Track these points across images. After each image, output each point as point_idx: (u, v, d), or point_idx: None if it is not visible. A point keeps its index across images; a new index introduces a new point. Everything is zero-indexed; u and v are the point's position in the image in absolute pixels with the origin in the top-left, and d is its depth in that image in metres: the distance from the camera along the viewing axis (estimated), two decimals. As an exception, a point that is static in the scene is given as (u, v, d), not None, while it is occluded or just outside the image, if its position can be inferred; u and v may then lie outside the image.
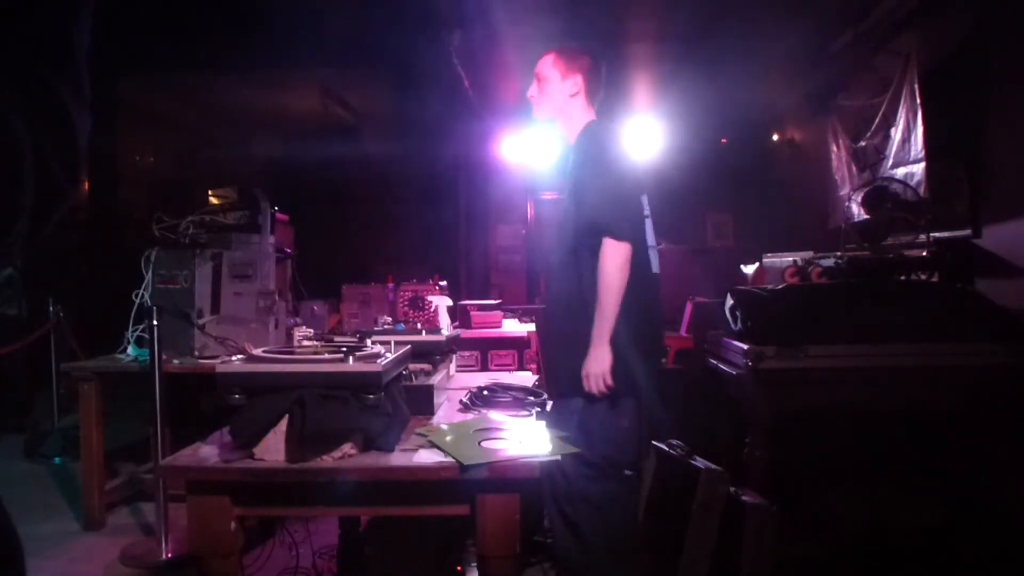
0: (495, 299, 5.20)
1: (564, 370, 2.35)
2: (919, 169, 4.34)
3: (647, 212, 2.45)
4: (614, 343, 2.23)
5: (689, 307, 5.18)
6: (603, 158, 2.35)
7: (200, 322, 3.45)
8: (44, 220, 0.63)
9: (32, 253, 0.66)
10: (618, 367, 2.23)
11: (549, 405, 2.36)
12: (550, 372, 2.49)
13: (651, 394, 2.33)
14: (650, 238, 2.44)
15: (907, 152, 4.50)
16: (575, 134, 2.48)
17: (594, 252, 2.26)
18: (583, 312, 2.29)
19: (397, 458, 1.65)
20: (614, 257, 2.22)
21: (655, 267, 2.45)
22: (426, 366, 2.24)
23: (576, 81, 2.47)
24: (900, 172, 4.49)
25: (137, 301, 3.53)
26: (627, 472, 2.36)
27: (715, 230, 8.76)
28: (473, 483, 1.59)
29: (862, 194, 3.78)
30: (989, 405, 2.76)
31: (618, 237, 2.23)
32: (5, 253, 0.60)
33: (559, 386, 2.39)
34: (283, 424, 1.59)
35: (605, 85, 2.53)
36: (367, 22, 5.15)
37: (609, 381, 2.21)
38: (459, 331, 3.45)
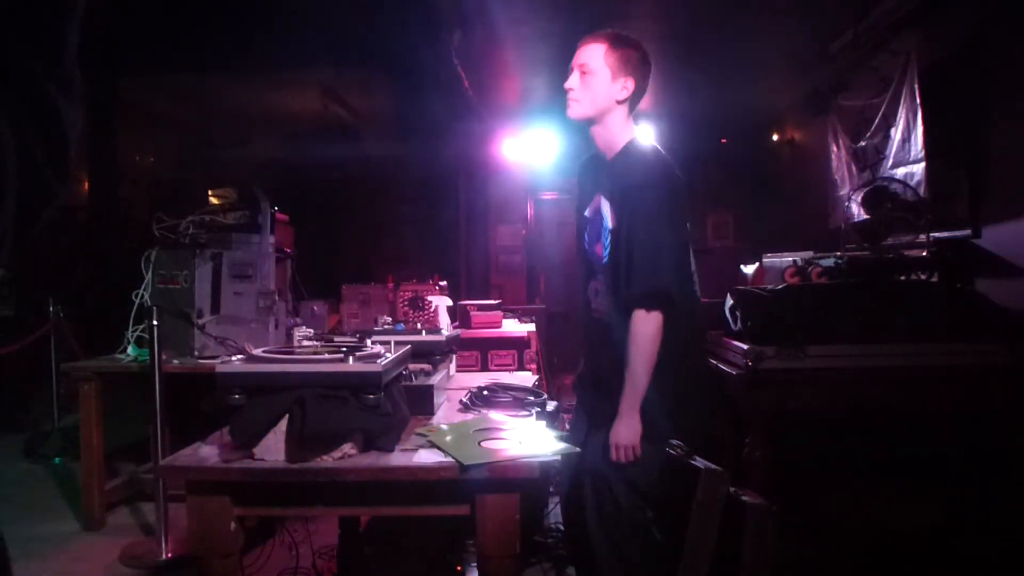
0: (495, 299, 5.20)
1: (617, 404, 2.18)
2: (919, 169, 4.34)
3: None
4: (675, 393, 2.14)
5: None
6: (664, 212, 2.11)
7: (200, 322, 3.45)
8: (33, 220, 0.61)
9: (21, 254, 0.64)
10: (676, 413, 2.14)
11: (551, 405, 2.36)
12: (596, 396, 2.33)
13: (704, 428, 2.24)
14: (692, 262, 2.27)
15: (907, 152, 4.50)
16: (613, 147, 2.22)
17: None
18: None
19: (397, 458, 1.65)
20: (646, 327, 2.08)
21: (698, 290, 2.29)
22: (426, 366, 2.24)
23: (627, 85, 2.16)
24: (900, 172, 4.49)
25: (137, 301, 3.53)
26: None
27: (715, 230, 8.77)
28: (473, 483, 1.59)
29: (862, 194, 3.78)
30: (989, 405, 2.76)
31: (651, 308, 2.07)
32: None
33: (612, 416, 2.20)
34: (283, 424, 1.59)
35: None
36: (367, 22, 5.15)
37: (639, 452, 2.10)
38: (459, 331, 3.45)
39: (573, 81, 2.18)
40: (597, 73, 2.14)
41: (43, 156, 0.61)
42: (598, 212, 2.27)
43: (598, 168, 2.30)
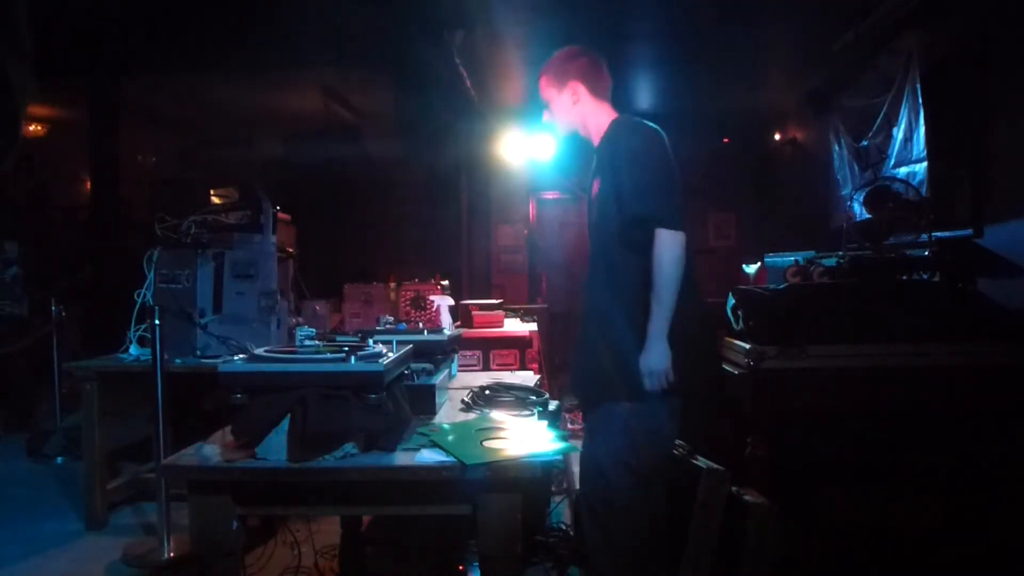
0: (497, 299, 5.20)
1: (603, 374, 2.18)
2: (921, 168, 4.33)
3: None
4: (669, 339, 2.11)
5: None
6: (637, 148, 2.21)
7: (202, 322, 3.45)
8: None
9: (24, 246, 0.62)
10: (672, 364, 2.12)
11: (552, 404, 2.36)
12: (583, 379, 2.28)
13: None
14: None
15: (909, 151, 4.50)
16: (599, 135, 2.37)
17: (634, 249, 2.14)
18: (619, 314, 2.17)
19: (399, 458, 1.65)
20: (672, 247, 2.09)
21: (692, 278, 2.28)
22: (428, 366, 2.24)
23: (575, 88, 2.39)
24: (902, 171, 4.49)
25: (139, 301, 3.54)
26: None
27: (717, 230, 8.77)
28: (475, 483, 1.59)
29: (864, 194, 3.77)
30: (990, 405, 2.76)
31: (672, 226, 2.10)
32: None
33: (598, 392, 2.21)
34: (285, 424, 1.59)
35: (609, 75, 2.42)
36: (369, 22, 5.15)
37: (671, 377, 2.09)
38: (461, 331, 3.45)
39: (546, 115, 2.52)
40: (552, 99, 2.44)
41: None
42: (594, 193, 2.37)
43: (592, 159, 2.45)
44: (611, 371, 2.16)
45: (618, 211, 2.19)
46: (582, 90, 2.38)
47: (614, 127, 2.33)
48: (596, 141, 2.39)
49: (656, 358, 2.08)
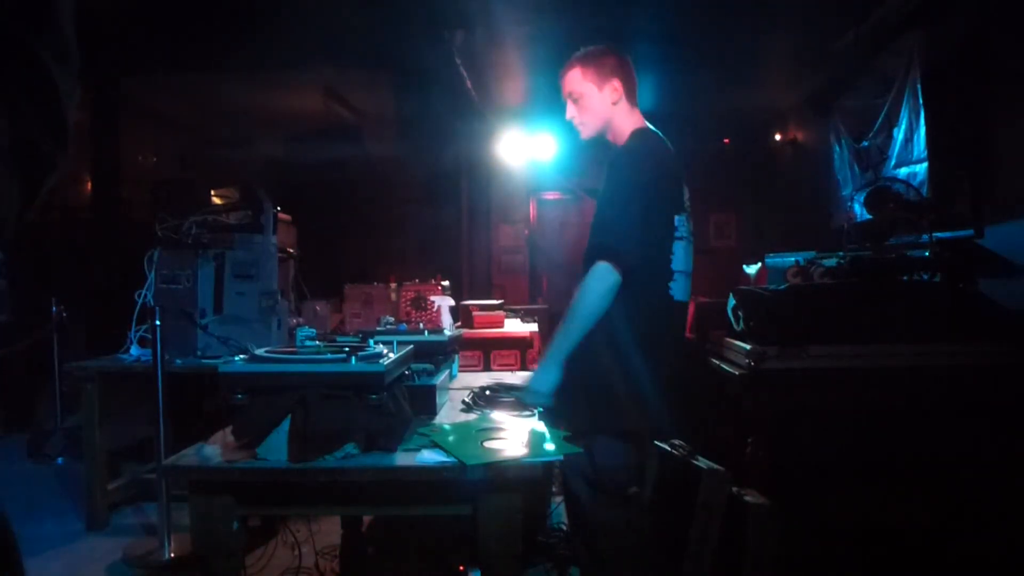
0: (497, 299, 5.20)
1: (575, 403, 2.17)
2: (922, 169, 4.33)
3: (682, 234, 2.25)
4: (628, 375, 2.08)
5: (692, 307, 5.18)
6: (631, 177, 2.15)
7: (203, 322, 3.45)
8: (33, 193, 0.59)
9: (23, 228, 0.61)
10: (628, 402, 2.09)
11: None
12: (565, 403, 2.27)
13: (661, 421, 2.15)
14: (683, 263, 2.25)
15: (910, 152, 4.50)
16: (621, 139, 2.30)
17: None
18: (601, 343, 2.12)
19: (399, 458, 1.65)
20: (601, 281, 2.07)
21: (681, 294, 2.27)
22: (428, 366, 2.24)
23: (615, 86, 2.28)
24: (903, 172, 4.49)
25: (140, 301, 3.54)
26: (632, 489, 2.30)
27: (718, 230, 8.77)
28: (475, 483, 1.59)
29: (865, 194, 3.77)
30: (991, 405, 2.76)
31: (612, 261, 2.06)
32: None
33: (570, 419, 2.17)
34: (286, 424, 1.59)
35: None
36: (369, 22, 5.15)
37: (548, 403, 2.09)
38: (461, 331, 3.45)
39: (571, 111, 2.33)
40: (585, 94, 2.29)
41: (40, 126, 0.59)
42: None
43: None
44: (577, 401, 2.17)
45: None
46: (623, 90, 2.29)
47: (631, 141, 2.26)
48: (618, 141, 2.32)
49: (541, 379, 2.12)
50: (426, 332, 2.49)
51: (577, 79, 2.30)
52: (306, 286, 4.59)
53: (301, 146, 8.09)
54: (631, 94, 2.32)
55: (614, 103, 2.28)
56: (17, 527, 0.80)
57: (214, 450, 1.68)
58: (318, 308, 4.66)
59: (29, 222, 0.61)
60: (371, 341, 1.98)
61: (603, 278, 2.07)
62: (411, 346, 2.06)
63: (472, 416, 2.12)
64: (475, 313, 4.73)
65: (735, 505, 2.27)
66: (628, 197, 2.13)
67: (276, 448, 1.60)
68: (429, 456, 1.64)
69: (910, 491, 2.76)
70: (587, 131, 2.33)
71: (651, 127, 2.32)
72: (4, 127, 0.55)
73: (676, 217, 2.25)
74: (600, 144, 2.37)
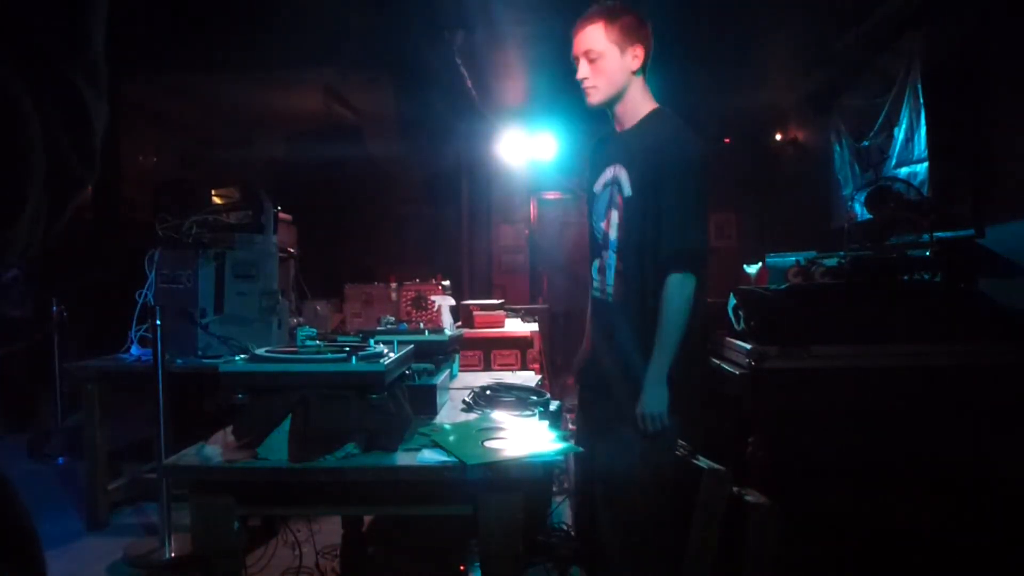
0: (498, 299, 5.20)
1: (628, 402, 2.12)
2: (922, 168, 4.33)
3: None
4: (678, 377, 2.08)
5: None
6: (691, 168, 2.07)
7: (203, 322, 3.45)
8: (60, 206, 0.60)
9: (50, 242, 0.63)
10: (680, 400, 2.09)
11: (554, 405, 2.35)
12: (608, 398, 2.24)
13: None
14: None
15: (910, 151, 4.49)
16: (635, 117, 2.16)
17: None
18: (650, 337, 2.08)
19: (400, 458, 1.65)
20: (683, 291, 2.03)
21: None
22: (429, 366, 2.24)
23: (637, 53, 2.09)
24: (903, 172, 4.48)
25: (140, 301, 3.54)
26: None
27: (718, 230, 8.76)
28: (476, 483, 1.59)
29: (865, 194, 3.77)
30: (991, 405, 2.76)
31: (690, 270, 2.03)
32: (24, 243, 0.58)
33: (622, 417, 2.14)
34: (286, 424, 1.60)
35: None
36: (370, 22, 5.16)
37: (666, 421, 2.06)
38: (462, 331, 3.45)
39: (584, 70, 2.11)
40: (605, 54, 2.08)
41: (68, 142, 0.59)
42: (611, 183, 2.21)
43: (612, 143, 2.26)
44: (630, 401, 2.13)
45: (653, 229, 2.07)
46: (643, 60, 2.12)
47: (658, 120, 2.15)
48: (625, 123, 2.20)
49: (655, 402, 2.06)
50: (426, 332, 2.49)
51: (598, 36, 2.08)
52: (306, 286, 4.59)
53: (301, 146, 8.09)
54: (646, 68, 2.16)
55: (633, 72, 2.11)
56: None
57: (214, 450, 1.68)
58: (318, 308, 4.66)
59: (57, 235, 0.62)
60: (371, 341, 1.98)
61: (684, 287, 2.04)
62: (411, 346, 2.07)
63: (473, 416, 2.12)
64: (476, 313, 4.73)
65: (735, 504, 2.27)
66: (695, 203, 2.08)
67: (277, 448, 1.60)
68: (430, 456, 1.64)
69: (910, 491, 2.76)
70: (598, 96, 2.13)
71: (667, 109, 2.21)
72: (42, 160, 0.56)
73: None
74: (592, 131, 2.31)
